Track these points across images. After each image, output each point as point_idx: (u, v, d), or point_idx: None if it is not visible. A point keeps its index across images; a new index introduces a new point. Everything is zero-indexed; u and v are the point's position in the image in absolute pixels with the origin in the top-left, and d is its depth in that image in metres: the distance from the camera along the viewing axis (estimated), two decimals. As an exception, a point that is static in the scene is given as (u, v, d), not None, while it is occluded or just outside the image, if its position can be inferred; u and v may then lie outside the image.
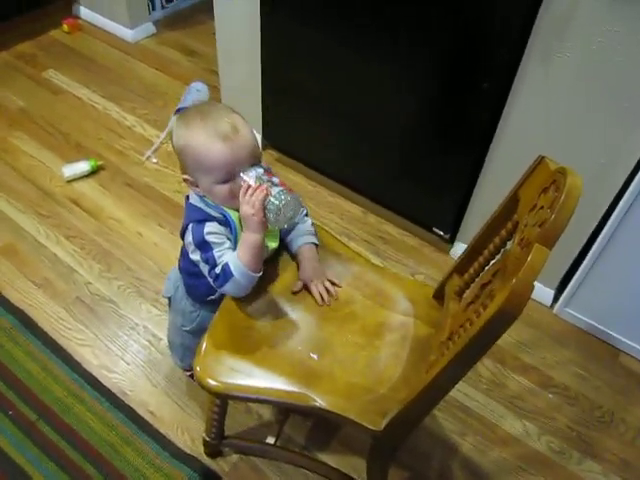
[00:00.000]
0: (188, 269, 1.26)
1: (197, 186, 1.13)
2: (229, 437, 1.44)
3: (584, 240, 1.69)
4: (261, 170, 1.09)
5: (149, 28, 2.98)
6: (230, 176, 1.08)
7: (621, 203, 1.53)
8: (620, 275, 1.67)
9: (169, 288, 1.39)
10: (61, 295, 1.79)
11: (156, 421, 1.53)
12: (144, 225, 2.03)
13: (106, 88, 2.61)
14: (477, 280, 1.09)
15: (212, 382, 1.08)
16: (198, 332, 1.37)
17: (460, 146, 1.75)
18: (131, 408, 1.54)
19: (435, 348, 1.06)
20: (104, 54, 2.83)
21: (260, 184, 1.05)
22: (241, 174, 1.08)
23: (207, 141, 1.06)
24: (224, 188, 1.09)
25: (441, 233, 2.01)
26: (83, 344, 1.68)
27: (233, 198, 1.09)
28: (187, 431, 1.52)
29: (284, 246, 1.28)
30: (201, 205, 1.15)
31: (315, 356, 1.13)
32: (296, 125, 2.16)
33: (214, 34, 2.14)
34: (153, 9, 3.01)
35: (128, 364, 1.65)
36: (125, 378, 1.61)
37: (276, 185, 1.06)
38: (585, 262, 1.70)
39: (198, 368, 1.09)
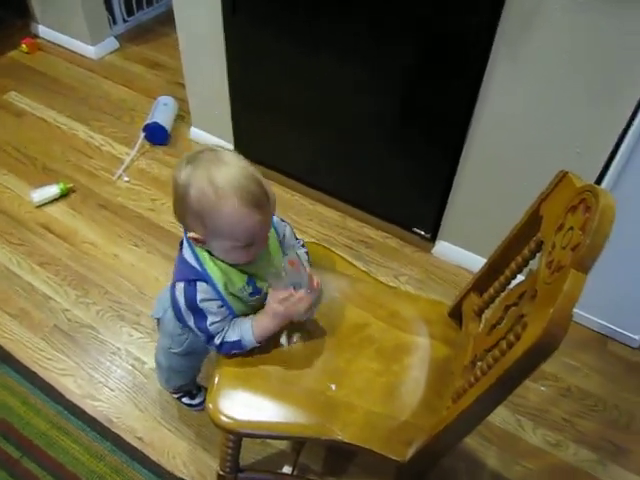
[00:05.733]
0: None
1: (205, 244, 1.04)
2: (244, 469, 1.35)
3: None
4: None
5: (112, 43, 2.93)
6: (254, 240, 1.02)
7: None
8: (602, 266, 1.67)
9: (158, 309, 1.33)
10: (38, 325, 1.74)
11: (145, 447, 1.49)
12: (119, 246, 1.98)
13: (71, 108, 2.55)
14: (499, 300, 1.05)
15: (226, 420, 1.04)
16: (186, 355, 1.35)
17: (435, 144, 1.74)
18: (118, 436, 1.50)
19: (458, 372, 1.03)
20: (67, 73, 2.77)
21: (308, 291, 1.07)
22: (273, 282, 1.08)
23: (241, 210, 0.95)
24: (244, 252, 1.03)
25: (422, 233, 1.99)
26: (64, 374, 1.63)
27: (249, 257, 1.04)
28: (178, 455, 1.48)
29: None
30: (194, 263, 1.06)
31: (333, 386, 1.09)
32: (268, 133, 2.13)
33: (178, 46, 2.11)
34: (114, 23, 2.96)
35: (112, 390, 1.60)
36: (110, 405, 1.57)
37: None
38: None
39: (210, 405, 1.06)
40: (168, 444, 1.50)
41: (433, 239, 2.01)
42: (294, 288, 1.06)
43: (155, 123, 2.34)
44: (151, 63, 2.86)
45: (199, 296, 1.04)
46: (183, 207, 1.00)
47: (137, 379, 1.63)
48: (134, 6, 3.05)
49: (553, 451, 1.55)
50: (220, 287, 1.05)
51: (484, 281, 1.13)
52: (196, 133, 2.39)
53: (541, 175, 1.64)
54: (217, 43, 1.96)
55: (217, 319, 1.07)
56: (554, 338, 0.71)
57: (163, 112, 2.41)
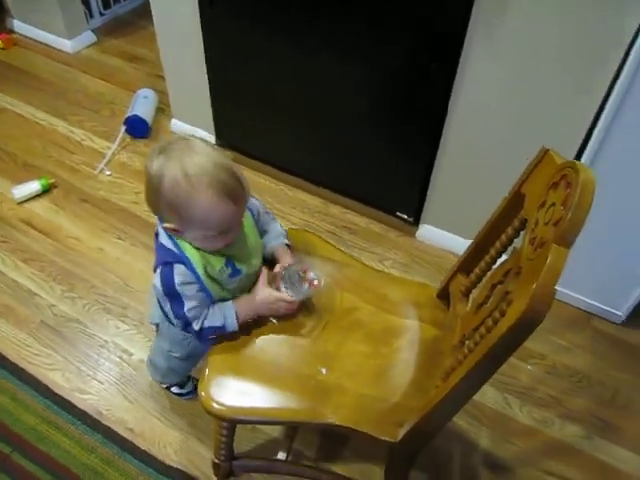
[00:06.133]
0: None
1: (181, 233, 1.03)
2: (239, 457, 1.35)
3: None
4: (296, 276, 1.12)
5: (89, 37, 2.90)
6: (229, 229, 1.02)
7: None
8: (584, 243, 1.68)
9: (154, 315, 1.30)
10: (24, 321, 1.73)
11: (136, 438, 1.49)
12: (104, 240, 1.97)
13: (50, 103, 2.53)
14: (485, 279, 1.06)
15: (218, 407, 1.04)
16: (187, 359, 1.35)
17: (415, 127, 1.75)
18: (109, 428, 1.50)
19: (447, 352, 1.04)
20: (44, 68, 2.74)
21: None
22: (284, 288, 1.11)
23: (216, 201, 0.96)
24: (219, 239, 1.03)
25: (405, 217, 2.01)
26: (53, 368, 1.62)
27: (225, 243, 1.04)
28: (169, 444, 1.48)
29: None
30: (171, 247, 1.05)
31: (324, 370, 1.09)
32: (249, 122, 2.12)
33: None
34: (91, 17, 2.93)
35: (101, 383, 1.60)
36: (100, 398, 1.57)
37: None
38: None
39: (203, 393, 1.06)
40: (158, 434, 1.50)
41: (416, 223, 2.02)
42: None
43: (135, 116, 2.32)
44: (130, 56, 2.84)
45: (177, 279, 1.03)
46: (157, 197, 1.00)
47: (125, 371, 1.63)
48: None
49: (541, 428, 1.57)
50: (199, 270, 1.04)
51: (470, 262, 1.14)
52: (177, 125, 2.38)
53: (519, 156, 1.66)
54: (195, 35, 1.95)
55: (195, 304, 1.06)
56: (537, 313, 0.72)
57: (143, 105, 2.40)
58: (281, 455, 1.45)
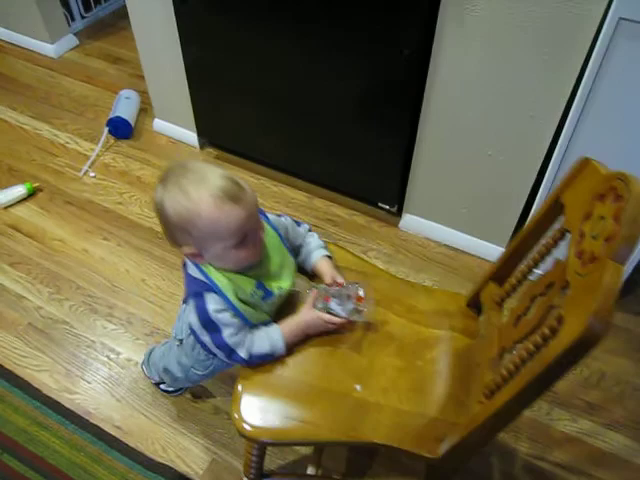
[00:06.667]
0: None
1: (201, 256, 1.03)
2: (269, 474, 1.34)
3: (525, 197, 1.72)
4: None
5: (71, 40, 2.90)
6: (245, 236, 1.00)
7: (555, 154, 1.56)
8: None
9: (180, 329, 1.28)
10: (12, 324, 1.74)
11: (124, 435, 1.51)
12: (89, 241, 1.99)
13: (33, 107, 2.54)
14: (522, 289, 1.04)
15: (253, 430, 1.02)
16: (210, 374, 1.33)
17: (392, 116, 1.75)
18: (97, 426, 1.52)
19: (485, 365, 1.02)
20: (26, 72, 2.75)
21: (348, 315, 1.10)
22: (320, 306, 1.10)
23: (218, 206, 0.95)
24: (240, 251, 1.01)
25: (387, 207, 2.02)
26: (40, 369, 1.64)
27: (248, 257, 1.03)
28: (157, 440, 1.50)
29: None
30: (200, 276, 1.05)
31: (358, 387, 1.07)
32: (230, 119, 2.13)
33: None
34: (72, 20, 2.95)
35: (89, 383, 1.61)
36: (88, 397, 1.58)
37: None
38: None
39: (235, 415, 1.04)
40: (147, 430, 1.51)
41: (399, 213, 2.03)
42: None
43: (118, 117, 2.33)
44: (112, 58, 2.85)
45: (210, 307, 1.02)
46: (167, 225, 1.01)
47: (113, 370, 1.64)
48: (92, 2, 3.03)
49: (527, 413, 1.57)
50: (230, 296, 1.03)
51: (503, 270, 1.12)
52: (160, 124, 2.39)
53: (498, 142, 1.67)
54: (171, 33, 1.96)
55: (233, 330, 1.04)
56: (596, 335, 0.69)
57: (126, 106, 2.41)
58: (310, 470, 1.42)
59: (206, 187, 0.96)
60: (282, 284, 1.11)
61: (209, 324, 1.03)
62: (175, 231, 1.01)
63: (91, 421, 1.53)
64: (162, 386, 1.58)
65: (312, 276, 1.20)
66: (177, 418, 1.54)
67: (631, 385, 1.64)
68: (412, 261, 1.94)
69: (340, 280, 1.14)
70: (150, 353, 1.54)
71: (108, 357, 1.67)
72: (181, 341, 1.28)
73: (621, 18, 1.27)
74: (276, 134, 2.05)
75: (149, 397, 1.58)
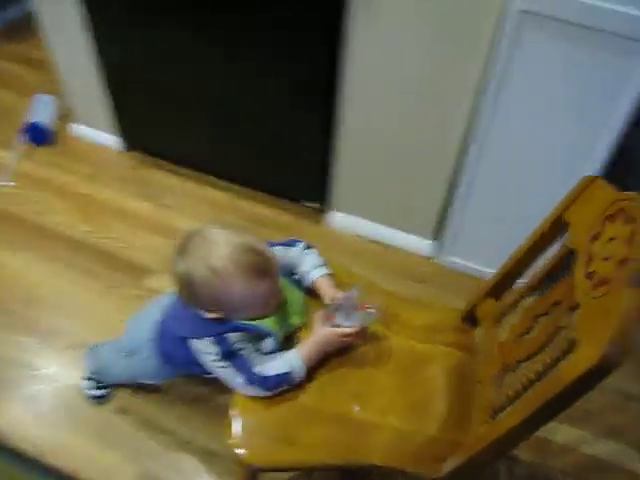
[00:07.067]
0: (169, 353, 1.20)
1: (226, 318, 1.05)
2: None
3: (445, 187, 1.75)
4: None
5: (-19, 43, 2.78)
6: (271, 298, 1.06)
7: (471, 146, 1.59)
8: (491, 213, 1.73)
9: (133, 337, 1.29)
10: None
11: (44, 455, 1.43)
12: (6, 254, 1.90)
13: (-59, 116, 2.42)
14: (523, 306, 1.04)
15: (249, 455, 1.00)
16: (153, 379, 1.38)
17: (308, 112, 1.75)
18: (16, 447, 1.45)
19: (486, 382, 1.01)
20: None
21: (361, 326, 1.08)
22: (340, 320, 1.07)
23: (249, 282, 0.99)
24: (266, 309, 1.06)
25: (313, 205, 2.02)
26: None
27: (271, 309, 1.08)
28: (80, 458, 1.44)
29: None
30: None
31: (357, 407, 1.05)
32: (152, 122, 2.09)
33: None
34: (-18, 22, 2.82)
35: (9, 402, 1.55)
36: (6, 417, 1.52)
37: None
38: (454, 206, 1.75)
39: (231, 441, 1.01)
40: (69, 448, 1.45)
41: (326, 210, 2.03)
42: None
43: (34, 123, 2.25)
44: (29, 61, 2.74)
45: (232, 340, 1.05)
46: (194, 295, 1.03)
47: (34, 387, 1.58)
48: (4, 3, 2.91)
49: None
50: (251, 324, 1.06)
51: (500, 286, 1.13)
52: (80, 130, 2.32)
53: (416, 134, 1.67)
54: (82, 35, 1.90)
55: (246, 353, 1.06)
56: (614, 362, 0.67)
57: (42, 111, 2.33)
58: None
59: (235, 265, 0.97)
60: (292, 321, 1.14)
61: (231, 355, 1.05)
62: (204, 301, 1.03)
63: (9, 442, 1.47)
64: (90, 391, 1.53)
65: (312, 295, 1.19)
66: (101, 434, 1.49)
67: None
68: (342, 259, 1.92)
69: (339, 295, 1.12)
70: (100, 348, 1.50)
71: (28, 374, 1.61)
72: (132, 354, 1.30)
73: (522, 11, 1.30)
74: (198, 135, 2.02)
75: (71, 412, 1.53)
